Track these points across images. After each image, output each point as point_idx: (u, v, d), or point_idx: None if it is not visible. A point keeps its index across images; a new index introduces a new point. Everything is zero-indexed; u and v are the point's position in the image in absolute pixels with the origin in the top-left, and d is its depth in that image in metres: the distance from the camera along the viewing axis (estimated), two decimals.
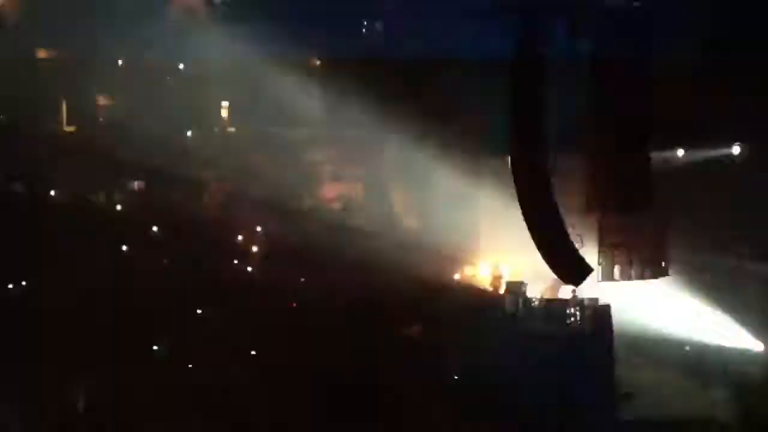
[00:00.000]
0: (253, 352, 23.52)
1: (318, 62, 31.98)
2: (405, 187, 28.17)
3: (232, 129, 33.78)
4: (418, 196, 27.65)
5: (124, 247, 26.08)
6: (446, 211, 26.26)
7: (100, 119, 33.39)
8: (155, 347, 24.28)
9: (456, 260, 26.62)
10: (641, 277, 22.60)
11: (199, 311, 24.96)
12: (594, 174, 22.49)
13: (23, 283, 25.95)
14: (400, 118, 26.18)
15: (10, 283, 25.82)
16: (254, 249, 26.46)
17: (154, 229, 27.44)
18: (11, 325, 23.60)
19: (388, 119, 26.16)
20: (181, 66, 33.50)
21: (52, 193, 29.67)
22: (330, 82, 29.21)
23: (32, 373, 22.32)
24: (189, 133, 33.60)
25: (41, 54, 33.71)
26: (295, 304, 25.19)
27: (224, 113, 35.21)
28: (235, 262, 27.04)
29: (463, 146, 26.22)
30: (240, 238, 27.15)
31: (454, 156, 26.23)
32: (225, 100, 34.60)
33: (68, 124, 33.49)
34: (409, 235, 26.15)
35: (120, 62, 33.60)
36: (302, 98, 30.38)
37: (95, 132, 31.99)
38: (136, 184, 30.27)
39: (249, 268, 25.83)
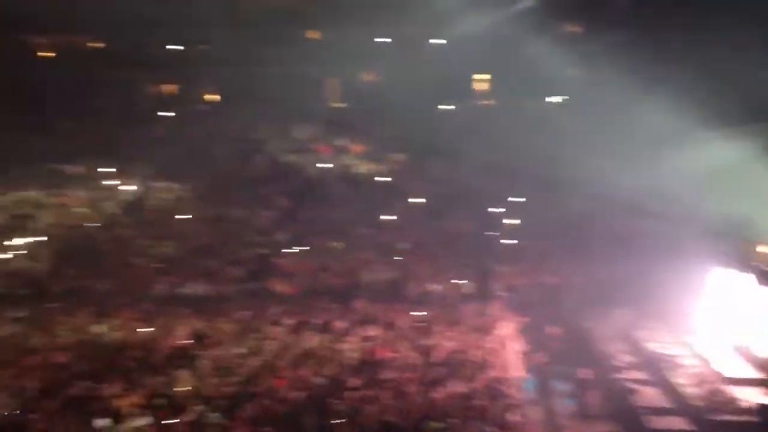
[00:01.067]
0: None
1: (578, 29, 31.26)
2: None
3: (490, 101, 34.08)
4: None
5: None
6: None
7: (370, 95, 35.21)
8: None
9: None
10: None
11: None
12: None
13: None
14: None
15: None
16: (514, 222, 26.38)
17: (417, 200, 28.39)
18: None
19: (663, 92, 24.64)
20: (436, 40, 34.21)
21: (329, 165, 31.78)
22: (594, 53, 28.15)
23: None
24: (445, 107, 34.38)
25: (310, 35, 36.31)
26: None
27: (481, 86, 35.60)
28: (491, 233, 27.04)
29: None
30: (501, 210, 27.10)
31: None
32: (483, 72, 34.99)
33: (340, 100, 35.76)
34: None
35: (380, 39, 35.16)
36: (563, 67, 29.70)
37: (365, 108, 33.84)
38: (400, 156, 31.49)
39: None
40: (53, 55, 38.26)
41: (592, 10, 30.34)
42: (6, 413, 13.66)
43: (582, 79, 29.98)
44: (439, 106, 34.21)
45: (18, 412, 13.75)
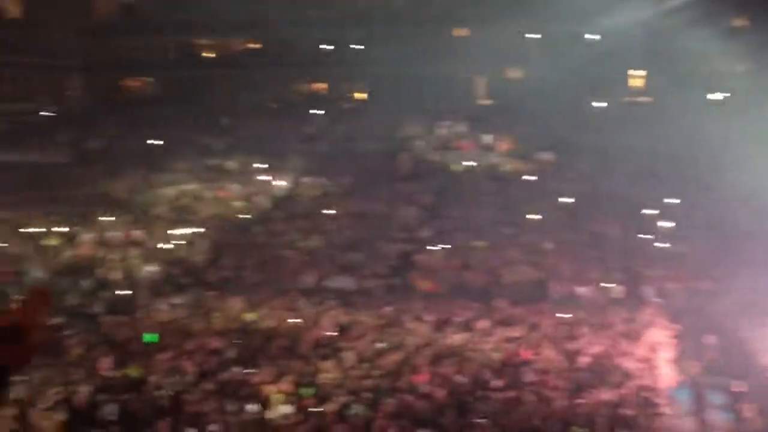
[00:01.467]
0: None
1: (744, 22, 29.43)
2: None
3: (645, 98, 32.76)
4: None
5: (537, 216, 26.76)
6: None
7: (515, 92, 34.78)
8: None
9: None
10: None
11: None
12: None
13: None
14: None
15: None
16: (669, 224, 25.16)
17: (563, 200, 27.69)
18: None
19: None
20: (589, 36, 33.23)
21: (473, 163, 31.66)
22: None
23: None
24: (596, 104, 33.35)
25: (456, 32, 36.31)
26: None
27: (636, 82, 34.27)
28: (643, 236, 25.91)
29: None
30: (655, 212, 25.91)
31: None
32: (637, 68, 33.69)
33: (485, 97, 35.61)
34: None
35: (529, 35, 34.59)
36: (726, 63, 28.10)
37: (510, 105, 33.48)
38: (546, 155, 30.88)
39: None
40: (214, 55, 40.47)
41: (761, 1, 28.48)
42: (165, 393, 14.54)
43: (747, 76, 28.21)
44: (592, 104, 33.24)
45: (175, 392, 14.60)
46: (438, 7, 36.48)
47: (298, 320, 19.79)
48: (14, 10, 40.51)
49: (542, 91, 32.13)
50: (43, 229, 27.74)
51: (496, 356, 17.06)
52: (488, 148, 32.24)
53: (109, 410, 13.48)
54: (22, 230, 27.59)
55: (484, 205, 28.12)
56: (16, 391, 13.45)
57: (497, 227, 26.59)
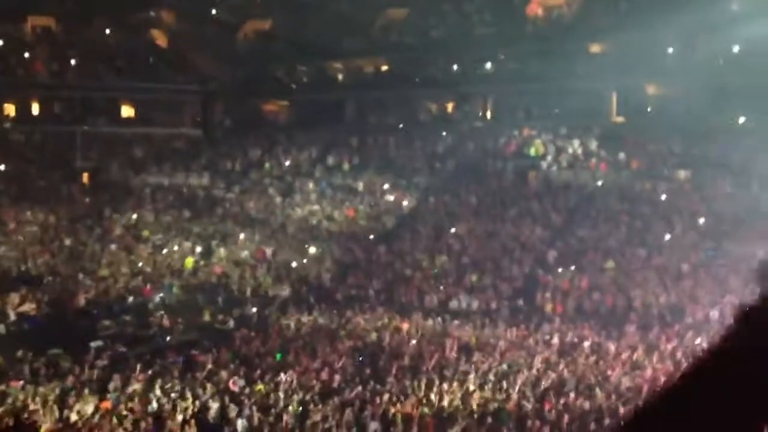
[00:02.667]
0: None
1: None
2: None
3: None
4: None
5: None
6: None
7: (650, 108, 33.50)
8: None
9: None
10: None
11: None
12: None
13: None
14: None
15: None
16: None
17: (701, 220, 26.36)
18: None
19: None
20: (738, 48, 31.46)
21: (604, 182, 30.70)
22: None
23: None
24: (742, 120, 31.49)
25: (592, 47, 35.40)
26: None
27: None
28: None
29: None
30: None
31: None
32: None
33: (618, 114, 34.45)
34: None
35: (671, 50, 33.19)
36: None
37: (644, 122, 32.24)
38: (682, 173, 29.50)
39: None
40: (346, 78, 41.52)
41: None
42: (292, 410, 14.89)
43: None
44: (738, 120, 31.38)
45: (301, 409, 14.91)
46: (573, 22, 35.81)
47: (422, 340, 19.78)
48: (161, 41, 43.28)
49: (679, 107, 30.80)
50: (180, 247, 29.31)
51: (626, 383, 16.37)
52: (621, 167, 31.12)
53: (239, 426, 13.95)
54: (162, 248, 29.27)
55: (616, 226, 27.18)
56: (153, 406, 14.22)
57: (629, 248, 25.63)
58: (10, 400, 13.71)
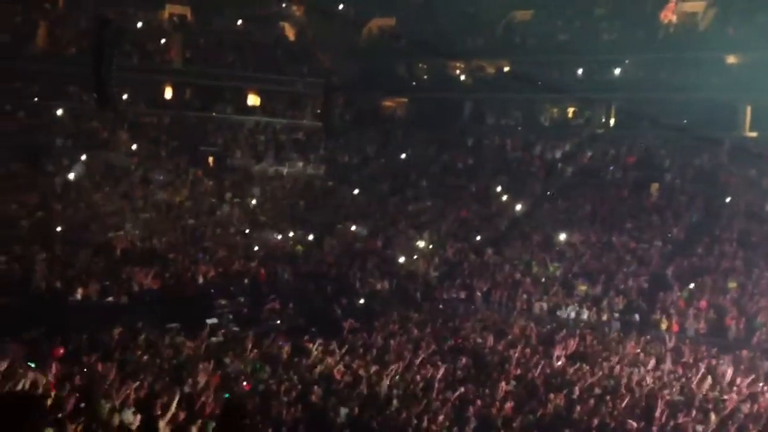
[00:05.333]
0: None
1: None
2: None
3: None
4: None
5: None
6: None
7: None
8: None
9: None
10: None
11: None
12: None
13: None
14: None
15: None
16: None
17: None
18: None
19: None
20: None
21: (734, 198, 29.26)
22: None
23: None
24: None
25: (728, 59, 33.78)
26: None
27: None
28: None
29: None
30: None
31: None
32: None
33: (751, 129, 32.75)
34: None
35: None
36: None
37: None
38: None
39: None
40: (467, 78, 41.38)
41: None
42: (394, 401, 14.98)
43: None
44: None
45: (403, 402, 14.96)
46: (708, 30, 34.33)
47: (524, 348, 19.44)
48: (289, 34, 44.46)
49: None
50: (294, 234, 30.06)
51: (745, 409, 15.56)
52: (751, 183, 29.50)
53: (341, 413, 14.14)
54: (277, 235, 30.12)
55: (741, 245, 25.84)
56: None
57: (755, 270, 24.32)
58: (129, 368, 14.42)
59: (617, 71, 37.06)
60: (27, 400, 4.60)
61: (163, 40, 41.09)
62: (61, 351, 14.82)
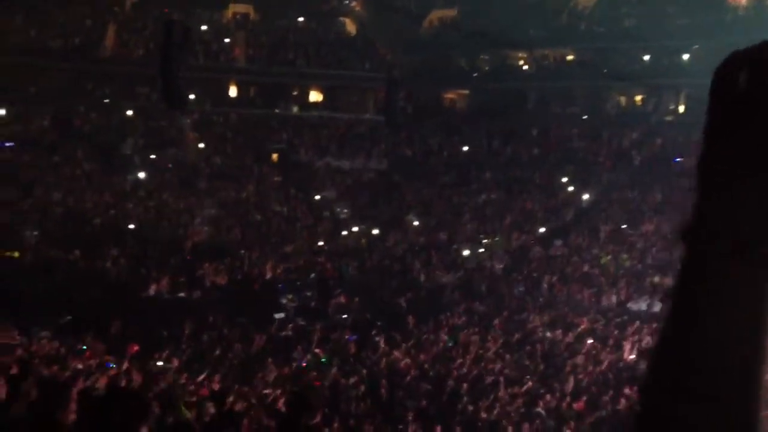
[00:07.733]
0: None
1: None
2: None
3: None
4: None
5: None
6: None
7: None
8: None
9: None
10: None
11: None
12: None
13: None
14: None
15: None
16: None
17: None
18: None
19: None
20: None
21: None
22: None
23: None
24: None
25: None
26: None
27: None
28: None
29: None
30: None
31: None
32: None
33: None
34: None
35: None
36: None
37: None
38: None
39: None
40: (529, 68, 40.86)
41: None
42: (463, 396, 14.96)
43: None
44: None
45: (471, 396, 14.93)
46: None
47: (595, 342, 19.12)
48: (350, 29, 44.66)
49: None
50: (358, 229, 30.21)
51: None
52: None
53: (409, 406, 14.20)
54: (342, 229, 30.32)
55: None
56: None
57: None
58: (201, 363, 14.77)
59: (685, 57, 36.03)
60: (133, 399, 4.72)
61: (227, 40, 41.78)
62: (136, 348, 15.28)
